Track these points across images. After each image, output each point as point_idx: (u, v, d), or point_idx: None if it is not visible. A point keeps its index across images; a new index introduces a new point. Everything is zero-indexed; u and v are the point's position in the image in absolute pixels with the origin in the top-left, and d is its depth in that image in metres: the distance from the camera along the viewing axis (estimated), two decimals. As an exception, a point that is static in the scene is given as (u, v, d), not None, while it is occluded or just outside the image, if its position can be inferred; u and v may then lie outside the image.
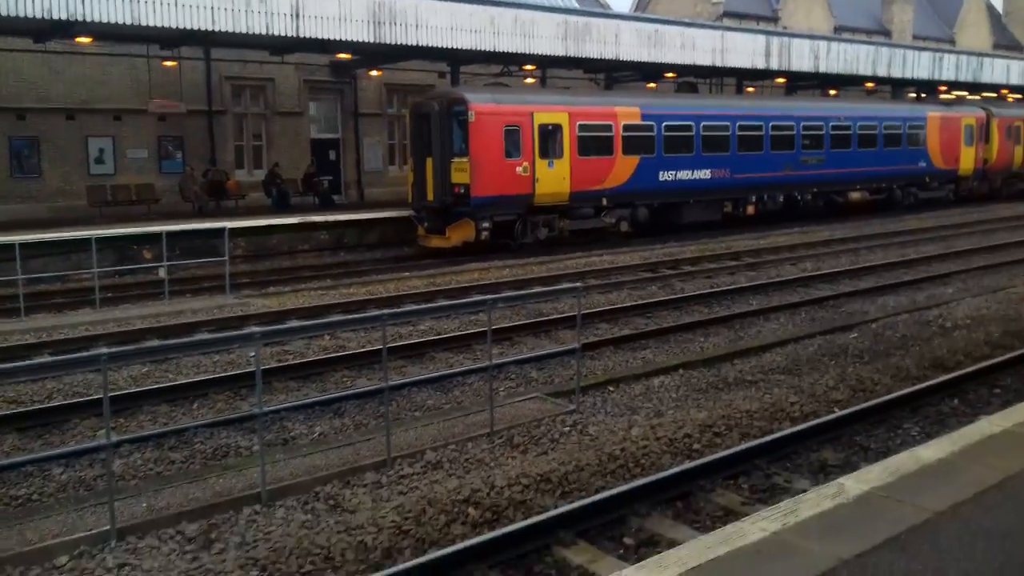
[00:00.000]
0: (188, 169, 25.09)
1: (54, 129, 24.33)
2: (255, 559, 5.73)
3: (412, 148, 22.89)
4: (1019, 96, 42.18)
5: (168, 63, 24.53)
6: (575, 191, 22.34)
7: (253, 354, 10.93)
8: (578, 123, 22.42)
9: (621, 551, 5.94)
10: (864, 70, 33.51)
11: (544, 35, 24.65)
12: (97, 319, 13.58)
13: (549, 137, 21.79)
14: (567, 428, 8.35)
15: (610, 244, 22.60)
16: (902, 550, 3.96)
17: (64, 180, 24.37)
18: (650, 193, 24.15)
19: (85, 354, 8.32)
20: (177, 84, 25.54)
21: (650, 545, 5.99)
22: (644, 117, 24.13)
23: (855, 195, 30.79)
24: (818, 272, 17.17)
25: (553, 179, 21.76)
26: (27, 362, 10.06)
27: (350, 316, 10.99)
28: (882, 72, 34.19)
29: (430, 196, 21.55)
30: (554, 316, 13.19)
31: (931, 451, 5.29)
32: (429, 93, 24.75)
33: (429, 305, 11.33)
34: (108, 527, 6.06)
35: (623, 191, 23.47)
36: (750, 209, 27.37)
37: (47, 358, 10.20)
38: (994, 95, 40.74)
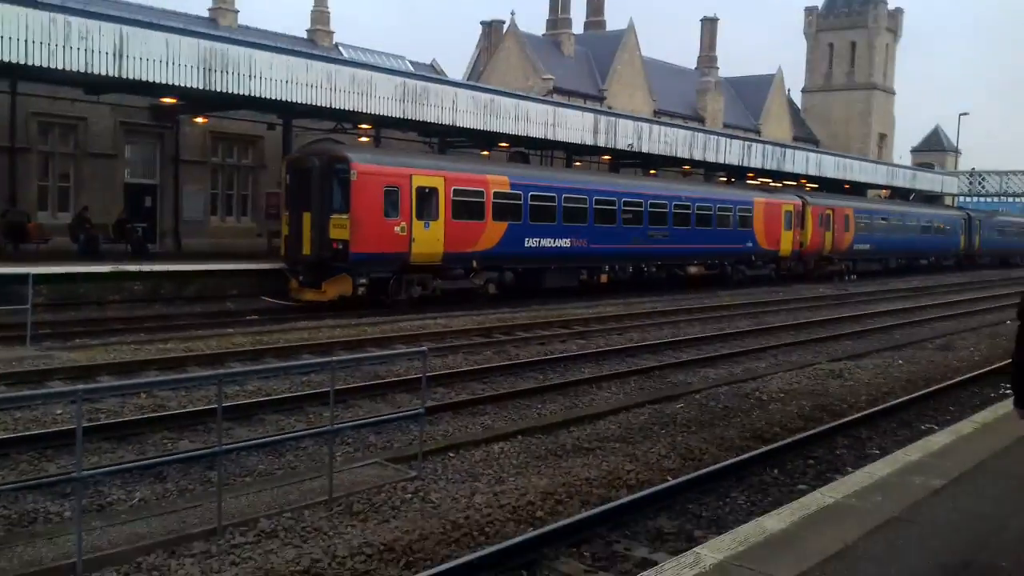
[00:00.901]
0: (-15, 208, 23.06)
1: None
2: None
3: (287, 202, 22.82)
4: (815, 186, 46.27)
5: (-30, 94, 22.68)
6: (448, 252, 23.08)
7: (59, 412, 10.06)
8: (453, 188, 23.27)
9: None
10: (682, 153, 35.82)
11: (382, 95, 24.77)
12: None
13: (426, 199, 22.49)
14: (409, 495, 8.09)
15: (453, 307, 22.76)
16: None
17: None
18: (516, 258, 25.38)
19: None
20: (-22, 116, 23.64)
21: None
22: (512, 186, 25.31)
23: (693, 269, 33.24)
24: (643, 343, 17.80)
25: (428, 240, 22.44)
26: None
27: (179, 375, 10.26)
28: (698, 156, 36.65)
29: (306, 250, 21.70)
30: (391, 379, 12.92)
31: (775, 521, 5.50)
32: (308, 148, 24.87)
33: (268, 365, 10.81)
34: None
35: (492, 254, 24.52)
36: (603, 278, 28.93)
37: None
38: (794, 183, 44.50)
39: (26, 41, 17.81)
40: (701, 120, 54.64)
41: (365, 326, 18.61)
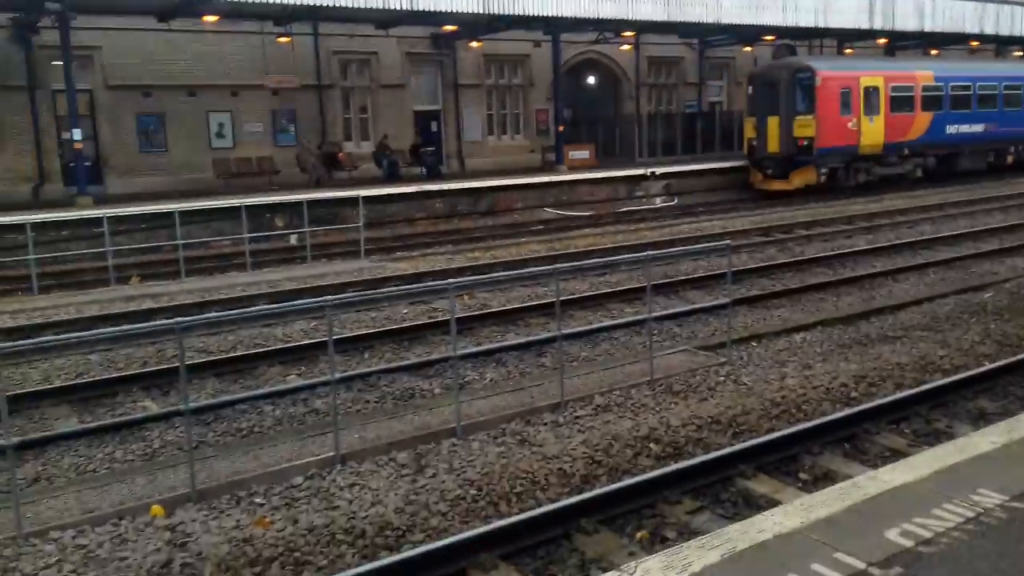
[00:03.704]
0: (304, 141, 25.99)
1: (177, 105, 25.52)
2: (469, 480, 6.34)
3: (752, 109, 27.09)
4: None
5: (281, 39, 25.35)
6: (887, 142, 26.80)
7: (406, 311, 11.65)
8: (891, 85, 26.85)
9: (799, 485, 6.33)
10: (971, 28, 32.87)
11: (644, 0, 24.85)
12: (250, 280, 14.50)
13: (870, 98, 26.13)
14: (722, 378, 8.74)
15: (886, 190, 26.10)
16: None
17: (188, 154, 25.59)
18: (939, 144, 28.47)
19: (309, 301, 8.84)
20: (289, 60, 26.43)
21: (826, 480, 6.35)
22: (936, 79, 28.44)
23: None
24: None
25: (872, 132, 26.25)
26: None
27: (527, 270, 11.59)
28: (989, 30, 33.40)
29: (773, 148, 25.90)
30: (680, 277, 13.54)
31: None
32: (774, 63, 28.47)
33: (596, 260, 12.02)
34: (332, 453, 6.75)
35: (920, 143, 27.81)
36: (1009, 159, 31.21)
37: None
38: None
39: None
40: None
41: (644, 231, 19.29)
